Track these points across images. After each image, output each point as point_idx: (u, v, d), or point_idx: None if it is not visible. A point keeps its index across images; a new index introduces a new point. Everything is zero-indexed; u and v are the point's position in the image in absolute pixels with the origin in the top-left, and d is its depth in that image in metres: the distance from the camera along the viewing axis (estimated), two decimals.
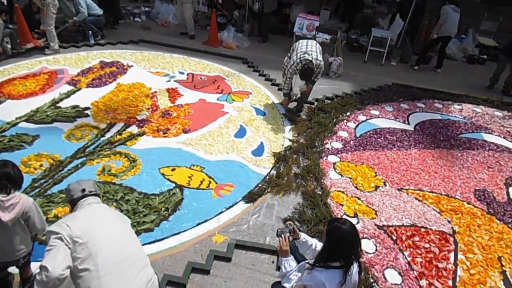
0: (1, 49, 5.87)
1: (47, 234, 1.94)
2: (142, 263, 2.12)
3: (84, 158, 4.03)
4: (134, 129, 4.64)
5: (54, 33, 6.30)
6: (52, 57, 6.26)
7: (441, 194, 4.14)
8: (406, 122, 5.62)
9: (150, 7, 9.02)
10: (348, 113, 5.61)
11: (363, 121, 5.46)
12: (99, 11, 7.02)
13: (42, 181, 3.66)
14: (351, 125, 5.33)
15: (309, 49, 4.86)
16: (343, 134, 5.06)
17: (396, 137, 5.13)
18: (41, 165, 3.85)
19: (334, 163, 4.43)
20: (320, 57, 4.87)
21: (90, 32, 6.97)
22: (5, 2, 6.39)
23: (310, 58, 4.74)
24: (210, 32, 7.69)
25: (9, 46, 6.11)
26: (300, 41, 5.15)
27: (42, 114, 4.67)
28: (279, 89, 6.13)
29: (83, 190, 2.23)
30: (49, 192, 3.53)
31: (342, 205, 3.79)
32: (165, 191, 3.70)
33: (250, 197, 3.75)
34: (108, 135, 4.47)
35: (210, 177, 3.97)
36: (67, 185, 2.27)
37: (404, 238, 3.49)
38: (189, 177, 3.94)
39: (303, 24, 7.51)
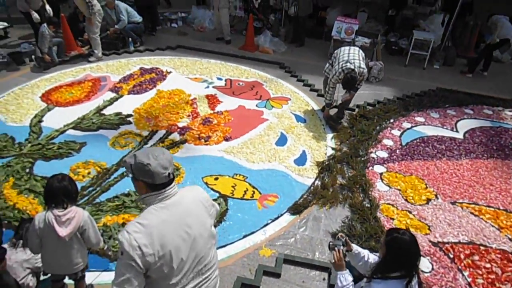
0: (49, 58, 6.08)
1: (119, 249, 1.54)
2: (215, 267, 1.90)
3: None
4: (175, 136, 4.65)
5: (99, 41, 6.48)
6: (95, 65, 6.43)
7: (499, 209, 3.86)
8: (455, 129, 5.32)
9: (187, 12, 9.11)
10: (391, 120, 5.38)
11: (408, 129, 5.22)
12: (138, 18, 7.16)
13: (90, 189, 3.72)
14: (396, 132, 5.10)
15: (351, 57, 4.70)
16: (388, 142, 4.86)
17: (445, 146, 4.86)
18: (89, 173, 3.93)
19: (381, 174, 4.25)
20: (363, 65, 4.70)
21: (130, 39, 7.12)
22: (51, 13, 6.62)
23: (353, 67, 4.57)
24: (246, 36, 7.66)
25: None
26: (342, 48, 4.99)
27: (88, 122, 4.78)
28: (319, 95, 6.00)
29: (169, 174, 1.65)
30: (97, 200, 3.58)
31: (393, 219, 3.61)
32: None
33: (296, 209, 3.64)
34: (150, 142, 4.50)
35: (253, 187, 3.90)
36: (140, 160, 1.60)
37: (462, 256, 3.26)
38: (233, 186, 3.89)
39: (341, 28, 7.32)
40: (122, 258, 1.53)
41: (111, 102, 5.31)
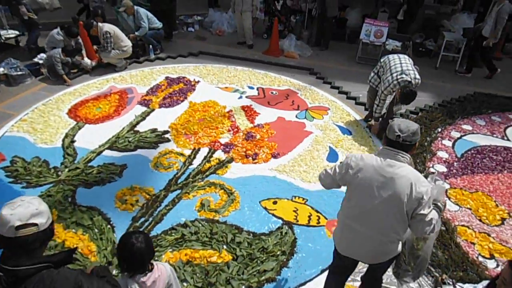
0: (70, 81, 5.74)
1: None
2: (383, 238, 2.08)
3: (179, 191, 3.74)
4: (220, 154, 4.34)
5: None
6: (119, 75, 6.07)
7: None
8: (505, 137, 5.09)
9: (202, 15, 8.75)
10: (439, 129, 5.13)
11: (458, 138, 4.98)
12: (158, 24, 6.79)
13: (142, 219, 3.40)
14: (447, 143, 4.86)
15: (405, 67, 4.41)
16: (442, 154, 4.60)
17: (502, 157, 4.63)
18: (137, 201, 3.60)
19: (446, 191, 3.99)
20: (417, 75, 4.42)
21: (150, 46, 6.75)
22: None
23: (409, 79, 4.29)
24: (271, 41, 7.34)
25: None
26: (390, 57, 4.70)
27: (124, 141, 4.44)
28: (357, 103, 5.73)
29: (398, 136, 2.00)
30: (152, 233, 3.26)
31: (473, 243, 3.35)
32: (275, 229, 3.37)
33: None
34: (195, 162, 4.18)
35: (317, 211, 3.61)
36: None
37: None
38: (294, 211, 3.60)
39: (370, 31, 7.04)
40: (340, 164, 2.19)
41: (143, 117, 4.96)
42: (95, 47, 6.25)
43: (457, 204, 3.81)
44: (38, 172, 3.85)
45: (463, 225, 3.55)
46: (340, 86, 6.16)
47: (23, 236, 1.42)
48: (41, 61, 5.91)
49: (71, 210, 3.42)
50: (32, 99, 5.23)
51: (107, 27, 5.91)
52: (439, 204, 2.12)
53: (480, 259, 3.20)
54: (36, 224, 1.45)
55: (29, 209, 1.45)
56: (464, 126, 5.27)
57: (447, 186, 3.96)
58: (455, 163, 4.45)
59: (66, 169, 3.91)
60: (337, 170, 2.17)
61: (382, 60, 4.81)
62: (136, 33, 6.54)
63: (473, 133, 5.13)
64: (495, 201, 3.88)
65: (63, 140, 4.38)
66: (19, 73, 5.55)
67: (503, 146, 4.85)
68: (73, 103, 5.18)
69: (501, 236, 3.45)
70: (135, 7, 6.47)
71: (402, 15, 8.01)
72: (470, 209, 3.76)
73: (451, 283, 2.13)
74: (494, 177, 4.25)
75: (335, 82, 6.28)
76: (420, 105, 5.73)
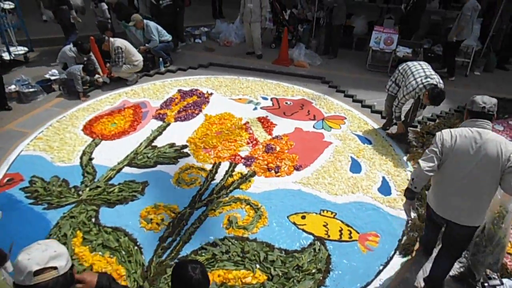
0: (86, 98, 5.68)
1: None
2: (477, 201, 2.42)
3: (204, 208, 3.65)
4: (242, 168, 4.25)
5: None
6: (130, 89, 6.00)
7: None
8: None
9: (209, 27, 8.72)
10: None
11: None
12: (168, 37, 6.75)
13: (170, 239, 3.30)
14: None
15: (428, 72, 4.39)
16: None
17: None
18: (162, 220, 3.50)
19: None
20: (441, 80, 4.39)
21: (160, 59, 6.70)
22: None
23: (435, 82, 4.26)
24: (280, 50, 7.30)
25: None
26: (410, 64, 4.67)
27: (143, 157, 4.35)
28: (373, 112, 5.67)
29: (483, 107, 2.40)
30: (182, 253, 3.16)
31: None
32: (307, 245, 3.28)
33: (404, 249, 3.27)
34: (217, 177, 4.09)
35: (347, 225, 3.52)
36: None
37: None
38: (324, 226, 3.51)
39: (380, 38, 7.02)
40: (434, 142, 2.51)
41: (160, 131, 4.88)
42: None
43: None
44: (58, 192, 3.75)
45: None
46: (354, 94, 6.11)
47: (42, 283, 1.34)
48: (52, 77, 5.84)
49: (96, 231, 3.32)
50: (46, 116, 5.14)
51: (119, 42, 5.86)
52: None
53: None
54: (55, 268, 1.38)
55: (47, 252, 1.38)
56: None
57: None
58: None
59: (87, 188, 3.82)
60: (435, 149, 2.46)
61: (400, 67, 4.77)
62: (147, 45, 6.49)
63: None
64: None
65: (81, 158, 4.29)
66: (31, 90, 5.48)
67: None
68: (87, 119, 5.10)
69: None
70: (145, 21, 6.43)
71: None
72: None
73: (496, 277, 2.06)
74: None
75: (348, 91, 6.23)
76: (437, 112, 5.69)
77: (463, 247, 2.72)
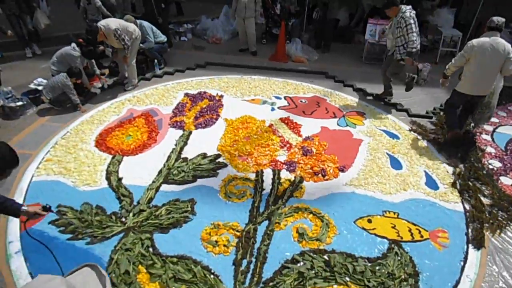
0: (85, 109, 5.05)
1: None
2: (490, 81, 4.32)
3: (267, 222, 3.40)
4: (286, 174, 4.04)
5: (135, 68, 5.49)
6: (132, 96, 5.45)
7: None
8: None
9: (192, 23, 8.24)
10: (472, 124, 5.30)
11: (492, 132, 5.18)
12: (163, 37, 6.25)
13: (245, 262, 3.02)
14: (486, 137, 5.03)
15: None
16: (489, 150, 4.74)
17: None
18: (228, 240, 3.19)
19: None
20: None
21: (155, 61, 6.17)
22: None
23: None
24: (277, 46, 7.10)
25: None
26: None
27: (178, 172, 3.95)
28: (386, 104, 5.73)
29: (497, 24, 4.14)
30: (265, 276, 2.90)
31: None
32: (385, 250, 3.19)
33: (477, 242, 3.32)
34: (266, 186, 3.85)
35: (414, 224, 3.49)
36: None
37: None
38: (393, 227, 3.44)
39: (375, 30, 7.11)
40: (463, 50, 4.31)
41: (184, 141, 4.48)
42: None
43: None
44: (98, 222, 3.26)
45: None
46: (363, 88, 6.13)
47: None
48: (40, 87, 5.09)
49: (160, 263, 2.93)
50: (45, 132, 4.47)
51: (112, 24, 5.11)
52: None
53: None
54: None
55: None
56: (492, 119, 5.49)
57: None
58: (505, 157, 4.60)
59: (130, 214, 3.36)
60: (464, 52, 4.27)
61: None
62: (142, 45, 5.93)
63: (501, 124, 5.38)
64: None
65: (108, 179, 3.79)
66: (18, 103, 4.73)
67: None
68: (96, 133, 4.52)
69: None
70: (138, 21, 5.85)
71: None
72: None
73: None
74: None
75: (356, 84, 6.23)
76: (442, 102, 5.89)
77: (476, 108, 4.60)
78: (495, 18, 4.13)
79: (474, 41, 4.15)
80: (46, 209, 2.50)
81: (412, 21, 4.96)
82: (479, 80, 4.24)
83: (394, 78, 5.52)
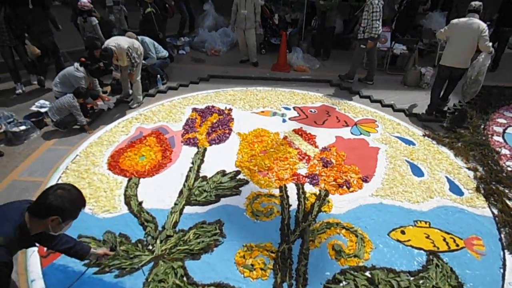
0: (92, 130, 4.87)
1: None
2: (468, 54, 5.09)
3: (299, 240, 3.29)
4: (310, 188, 3.95)
5: (141, 85, 5.33)
6: (139, 114, 5.27)
7: None
8: None
9: (189, 36, 8.12)
10: (482, 126, 5.34)
11: (502, 133, 5.23)
12: (165, 53, 6.11)
13: (285, 285, 2.89)
14: (497, 138, 5.06)
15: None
16: (504, 151, 4.77)
17: None
18: (264, 263, 3.06)
19: None
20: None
21: (158, 76, 6.02)
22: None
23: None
24: (279, 56, 7.05)
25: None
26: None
27: (200, 192, 3.80)
28: (395, 110, 5.73)
29: (474, 7, 4.93)
30: None
31: None
32: (425, 263, 3.11)
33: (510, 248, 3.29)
34: (292, 202, 3.74)
35: (447, 233, 3.44)
36: None
37: None
38: (427, 237, 3.38)
39: None
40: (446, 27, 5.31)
41: (201, 159, 4.33)
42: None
43: None
44: (124, 252, 3.08)
45: None
46: (369, 95, 6.12)
47: None
48: (42, 110, 4.87)
49: None
50: (53, 157, 4.26)
51: (121, 42, 4.99)
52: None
53: None
54: None
55: None
56: (500, 120, 5.56)
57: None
58: None
59: (157, 241, 3.19)
60: (447, 27, 5.11)
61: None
62: (144, 62, 5.77)
63: (510, 125, 5.43)
64: None
65: (128, 204, 3.61)
66: (22, 128, 4.50)
67: None
68: (107, 155, 4.34)
69: None
70: (140, 37, 5.69)
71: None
72: None
73: None
74: None
75: (363, 91, 6.22)
76: (449, 105, 5.93)
77: (458, 81, 5.35)
78: (473, 3, 4.92)
79: (454, 21, 5.01)
80: (113, 249, 2.47)
81: (378, 10, 5.86)
82: (458, 53, 5.00)
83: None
